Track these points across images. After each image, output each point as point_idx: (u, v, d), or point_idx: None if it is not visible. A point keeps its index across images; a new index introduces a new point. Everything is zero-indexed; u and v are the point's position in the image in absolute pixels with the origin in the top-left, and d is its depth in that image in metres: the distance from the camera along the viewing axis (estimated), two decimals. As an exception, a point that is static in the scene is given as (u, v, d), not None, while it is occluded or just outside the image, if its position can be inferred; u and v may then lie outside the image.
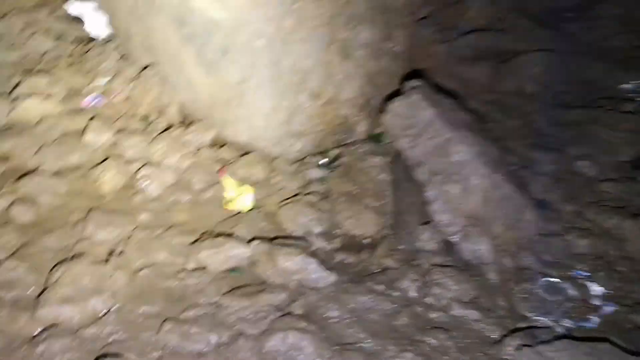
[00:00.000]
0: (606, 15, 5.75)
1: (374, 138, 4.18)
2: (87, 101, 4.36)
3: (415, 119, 3.67)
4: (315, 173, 4.00)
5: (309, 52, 3.89)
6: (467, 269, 3.34)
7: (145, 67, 4.57)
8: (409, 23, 4.39)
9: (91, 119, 4.08)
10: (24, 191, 3.38)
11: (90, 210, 3.34)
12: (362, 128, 4.17)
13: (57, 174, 3.58)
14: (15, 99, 4.04)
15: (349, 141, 4.18)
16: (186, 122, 4.37)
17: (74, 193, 3.48)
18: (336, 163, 4.08)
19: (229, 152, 4.09)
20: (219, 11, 3.77)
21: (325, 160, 4.09)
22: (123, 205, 3.48)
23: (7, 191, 3.37)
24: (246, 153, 4.09)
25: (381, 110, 4.15)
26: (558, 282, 3.41)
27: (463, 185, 3.46)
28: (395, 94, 4.01)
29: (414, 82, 3.90)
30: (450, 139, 3.55)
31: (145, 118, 4.32)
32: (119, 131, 4.05)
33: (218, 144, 4.19)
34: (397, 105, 3.75)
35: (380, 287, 3.17)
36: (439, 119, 3.62)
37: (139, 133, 4.09)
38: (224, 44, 3.87)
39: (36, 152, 3.65)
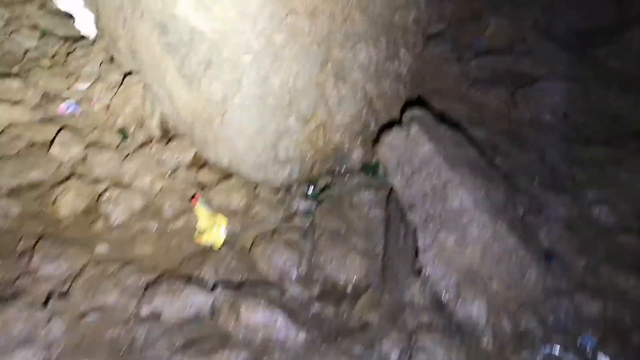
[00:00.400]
0: (638, 42, 5.26)
1: (369, 169, 3.79)
2: (62, 108, 4.04)
3: (411, 155, 3.27)
4: (301, 204, 3.62)
5: (301, 71, 3.51)
6: (459, 331, 2.94)
7: (129, 73, 4.23)
8: (418, 42, 3.97)
9: (62, 129, 3.74)
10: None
11: (41, 237, 3.00)
12: (356, 157, 3.78)
13: (13, 192, 3.25)
14: (-20, 104, 3.71)
15: (340, 170, 3.78)
16: (167, 136, 4.02)
17: (28, 216, 3.15)
18: (324, 194, 3.68)
19: (208, 175, 3.74)
20: (203, 21, 3.41)
21: (313, 189, 3.70)
22: (80, 232, 3.15)
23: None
24: (227, 177, 3.73)
25: (377, 138, 3.77)
26: (562, 351, 2.99)
27: (460, 234, 3.06)
28: (394, 123, 3.61)
29: (415, 112, 3.50)
30: (449, 181, 3.14)
31: (123, 130, 3.98)
32: (91, 145, 3.71)
33: (197, 164, 3.84)
34: (392, 137, 3.35)
35: (358, 350, 2.78)
36: (437, 157, 3.22)
37: (112, 148, 3.76)
38: (207, 57, 3.51)
39: (-7, 166, 3.32)
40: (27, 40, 4.66)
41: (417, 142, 3.30)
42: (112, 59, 4.46)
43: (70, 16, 5.06)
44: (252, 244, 3.29)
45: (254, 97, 3.51)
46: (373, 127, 3.85)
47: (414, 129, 3.32)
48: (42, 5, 5.13)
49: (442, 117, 3.85)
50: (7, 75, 4.08)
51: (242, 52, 3.43)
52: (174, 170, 3.71)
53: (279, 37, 3.40)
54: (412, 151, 3.29)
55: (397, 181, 3.30)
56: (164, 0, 3.49)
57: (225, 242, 3.25)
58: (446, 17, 5.12)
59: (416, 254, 3.15)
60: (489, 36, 5.36)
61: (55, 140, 3.60)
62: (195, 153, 3.87)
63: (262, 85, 3.49)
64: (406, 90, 4.05)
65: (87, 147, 3.67)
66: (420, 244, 3.09)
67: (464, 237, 3.05)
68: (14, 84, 3.95)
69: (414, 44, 3.99)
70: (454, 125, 4.01)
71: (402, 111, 4.02)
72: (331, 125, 3.62)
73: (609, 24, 5.58)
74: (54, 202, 3.24)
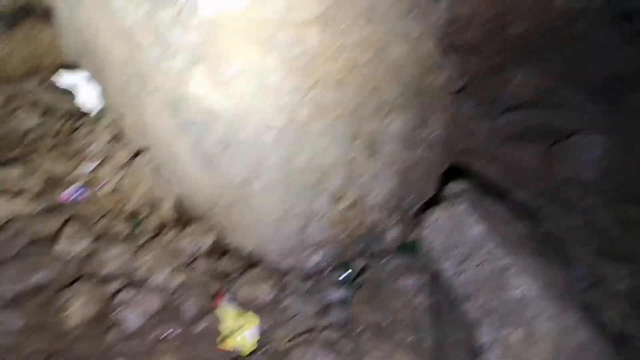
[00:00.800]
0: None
1: (407, 248, 3.43)
2: (67, 194, 3.70)
3: (461, 237, 2.91)
4: (335, 293, 3.25)
5: (329, 147, 3.19)
6: None
7: (138, 152, 3.92)
8: (449, 104, 3.66)
9: (67, 220, 3.40)
10: (-34, 330, 2.66)
11: (50, 356, 2.61)
12: (392, 235, 3.43)
13: (14, 301, 2.88)
14: (-21, 198, 3.38)
15: (375, 251, 3.42)
16: (182, 220, 3.67)
17: (32, 329, 2.78)
18: (360, 279, 3.31)
19: (230, 264, 3.38)
20: (219, 99, 3.10)
21: (347, 274, 3.33)
22: (92, 346, 2.76)
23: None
24: (251, 265, 3.36)
25: (415, 214, 3.42)
26: None
27: (526, 330, 2.67)
28: (433, 197, 3.27)
29: (457, 185, 3.17)
30: (508, 266, 2.77)
31: (133, 216, 3.64)
32: (100, 237, 3.37)
33: (217, 251, 3.48)
34: (437, 217, 3.01)
35: None
36: (491, 239, 2.87)
37: (123, 238, 3.40)
38: (225, 137, 3.19)
39: (-8, 271, 2.96)
40: (28, 120, 4.37)
41: (465, 222, 2.95)
42: (118, 136, 4.15)
43: (72, 91, 4.79)
44: (286, 347, 2.89)
45: (278, 178, 3.18)
46: (408, 201, 3.50)
47: (461, 207, 2.98)
48: (43, 80, 4.87)
49: (480, 184, 3.51)
50: (8, 161, 3.76)
51: (263, 131, 3.12)
52: (193, 260, 3.35)
53: (303, 112, 3.09)
54: (460, 233, 2.93)
55: (445, 267, 2.93)
56: (174, 78, 3.19)
57: (255, 349, 2.85)
58: (468, 71, 4.84)
59: (475, 352, 2.75)
60: (515, 89, 5.06)
61: (60, 234, 3.24)
62: (215, 238, 3.51)
63: (287, 164, 3.17)
64: (439, 157, 3.71)
65: (95, 239, 3.32)
66: (481, 341, 2.70)
67: (531, 333, 2.66)
68: (15, 171, 3.63)
69: (445, 106, 3.68)
70: (491, 189, 3.68)
71: (438, 181, 3.70)
72: (365, 204, 3.28)
73: (635, 68, 5.29)
74: (61, 310, 2.85)
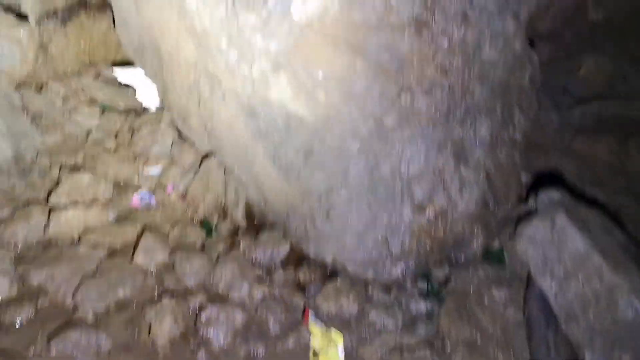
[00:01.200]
0: None
1: (494, 257, 3.29)
2: (137, 200, 3.62)
3: (561, 251, 2.77)
4: (421, 305, 3.13)
5: (416, 155, 3.04)
6: None
7: (206, 155, 3.80)
8: (533, 103, 3.47)
9: (142, 230, 3.32)
10: (57, 352, 2.61)
11: (142, 380, 2.55)
12: (477, 244, 3.28)
13: (100, 320, 2.81)
14: (54, 208, 3.30)
15: (459, 260, 3.28)
16: (253, 226, 3.58)
17: (120, 349, 2.71)
18: (446, 290, 3.18)
19: (309, 274, 3.28)
20: (302, 106, 2.96)
21: (431, 285, 3.21)
22: (182, 366, 2.68)
23: (38, 351, 2.61)
24: (331, 275, 3.25)
25: (500, 220, 3.27)
26: None
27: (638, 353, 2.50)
28: (519, 202, 3.11)
29: (552, 194, 2.99)
30: (616, 286, 2.61)
31: (205, 223, 3.55)
32: (176, 248, 3.28)
33: (294, 261, 3.37)
34: (534, 230, 2.85)
35: None
36: (595, 254, 2.71)
37: (198, 249, 3.31)
38: (307, 145, 3.06)
39: (76, 288, 2.89)
40: (88, 119, 4.29)
41: (565, 235, 2.78)
42: (182, 138, 4.04)
43: (128, 86, 4.68)
44: (378, 367, 2.79)
45: (363, 187, 3.05)
46: (492, 207, 3.33)
47: (560, 219, 2.81)
48: (98, 75, 4.76)
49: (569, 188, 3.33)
50: (75, 168, 3.68)
51: (349, 139, 2.97)
52: (271, 271, 3.25)
53: (390, 119, 2.94)
54: (560, 247, 2.77)
55: (547, 283, 2.78)
56: (253, 83, 3.04)
57: (345, 366, 2.76)
58: (541, 61, 4.58)
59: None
60: (584, 76, 4.80)
61: (138, 247, 3.17)
62: (291, 246, 3.41)
63: (372, 173, 3.02)
64: (522, 158, 3.53)
65: (172, 251, 3.23)
66: (590, 366, 2.56)
67: (644, 358, 2.50)
68: (84, 178, 3.55)
69: (529, 105, 3.48)
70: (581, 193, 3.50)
71: (522, 185, 3.52)
72: (452, 214, 3.13)
73: None
74: (148, 327, 2.78)
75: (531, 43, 3.68)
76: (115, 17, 4.27)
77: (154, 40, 3.80)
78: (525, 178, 3.78)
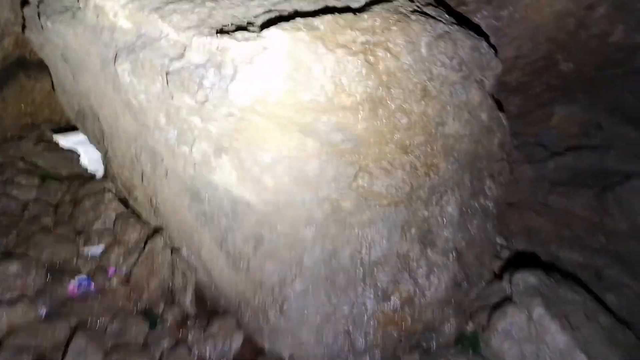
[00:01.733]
0: None
1: (467, 343, 2.98)
2: (73, 287, 3.25)
3: (540, 349, 2.47)
4: (389, 404, 2.78)
5: (377, 239, 2.74)
6: None
7: (153, 231, 3.46)
8: (505, 167, 3.21)
9: (74, 330, 2.94)
10: None
11: None
12: (449, 329, 2.97)
13: None
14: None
15: (432, 349, 2.97)
16: (204, 313, 3.22)
17: None
18: (416, 383, 2.86)
19: (265, 371, 2.91)
20: (250, 191, 2.64)
21: (400, 379, 2.88)
22: None
23: None
24: (290, 373, 2.90)
25: (473, 300, 2.98)
26: None
27: None
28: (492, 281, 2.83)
29: (528, 278, 2.71)
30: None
31: (149, 312, 3.19)
32: (114, 347, 2.91)
33: (248, 355, 3.02)
34: (509, 323, 2.59)
35: None
36: (577, 350, 2.41)
37: (140, 347, 2.94)
38: (256, 232, 2.75)
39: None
40: (25, 192, 3.91)
41: (544, 329, 2.53)
42: (127, 213, 3.69)
43: (71, 152, 4.33)
44: None
45: (320, 277, 2.74)
46: (465, 287, 3.05)
47: (537, 310, 2.53)
48: (40, 139, 4.41)
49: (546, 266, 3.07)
50: (5, 254, 3.30)
51: (302, 225, 2.67)
52: (223, 367, 2.89)
53: (347, 202, 2.65)
54: (539, 343, 2.49)
55: (526, 386, 2.48)
56: (194, 165, 2.73)
57: None
58: (510, 112, 4.36)
59: None
60: (557, 125, 4.60)
61: (67, 352, 2.79)
62: (245, 337, 3.06)
63: (330, 261, 2.72)
64: (495, 229, 3.26)
65: (108, 353, 2.86)
66: None
67: None
68: (12, 267, 3.16)
69: (501, 170, 3.22)
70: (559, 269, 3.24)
71: (498, 254, 3.25)
72: (420, 300, 2.84)
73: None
74: None
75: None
76: (53, 81, 3.94)
77: (93, 108, 3.48)
78: (500, 240, 3.54)
